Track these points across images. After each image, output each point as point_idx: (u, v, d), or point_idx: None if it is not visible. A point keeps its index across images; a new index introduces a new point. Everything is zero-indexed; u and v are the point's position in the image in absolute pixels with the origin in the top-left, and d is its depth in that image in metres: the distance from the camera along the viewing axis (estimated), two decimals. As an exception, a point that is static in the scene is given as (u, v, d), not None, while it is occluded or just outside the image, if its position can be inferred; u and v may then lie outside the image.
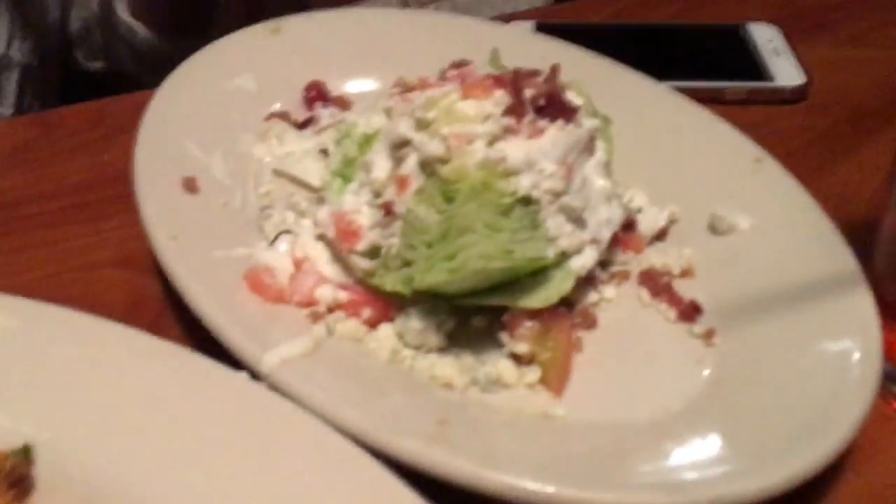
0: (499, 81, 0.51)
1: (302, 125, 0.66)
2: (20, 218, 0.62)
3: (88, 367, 0.43)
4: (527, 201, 0.49)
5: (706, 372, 0.50)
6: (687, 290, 0.55)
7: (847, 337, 0.48)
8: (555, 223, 0.50)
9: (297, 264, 0.53)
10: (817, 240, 0.54)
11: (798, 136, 0.74)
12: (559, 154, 0.51)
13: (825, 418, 0.45)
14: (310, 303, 0.51)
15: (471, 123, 0.49)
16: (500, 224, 0.47)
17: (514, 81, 0.52)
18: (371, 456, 0.41)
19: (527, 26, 0.82)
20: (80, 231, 0.61)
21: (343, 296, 0.51)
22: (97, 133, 0.70)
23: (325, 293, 0.51)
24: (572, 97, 0.55)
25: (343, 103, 0.68)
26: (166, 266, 0.49)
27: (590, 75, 0.64)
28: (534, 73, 0.56)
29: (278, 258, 0.53)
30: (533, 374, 0.49)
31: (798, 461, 0.42)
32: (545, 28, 0.82)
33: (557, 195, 0.50)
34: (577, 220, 0.52)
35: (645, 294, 0.55)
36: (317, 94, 0.68)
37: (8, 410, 0.42)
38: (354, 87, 0.70)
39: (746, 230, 0.57)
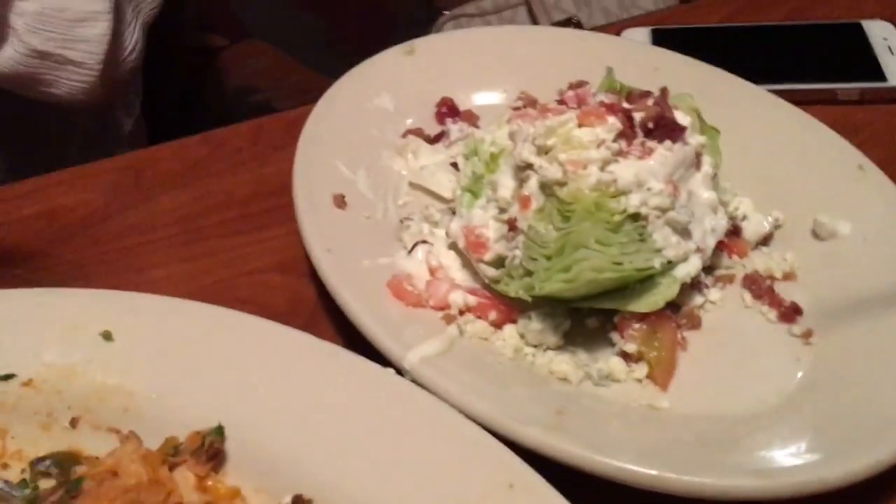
0: (611, 109, 0.57)
1: (434, 140, 0.74)
2: (196, 229, 0.72)
3: (264, 362, 0.52)
4: (636, 217, 0.55)
5: (802, 369, 0.55)
6: (788, 292, 0.60)
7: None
8: (661, 236, 0.56)
9: (433, 271, 0.61)
10: (915, 246, 0.58)
11: (910, 135, 0.76)
12: (666, 172, 0.57)
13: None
14: (444, 306, 0.59)
15: (585, 150, 0.55)
16: (610, 239, 0.54)
17: (624, 109, 0.57)
18: (499, 441, 0.48)
19: (643, 34, 0.86)
20: (246, 240, 0.71)
21: (472, 300, 0.59)
22: (256, 150, 0.80)
23: (457, 298, 0.58)
24: (680, 116, 0.60)
25: (471, 117, 0.75)
26: (323, 276, 0.58)
27: (700, 85, 0.69)
28: (645, 95, 0.62)
29: (416, 266, 0.61)
30: (641, 370, 0.55)
31: (876, 454, 0.47)
32: (660, 34, 0.86)
33: (664, 211, 0.56)
34: (683, 231, 0.57)
35: (748, 296, 0.60)
36: (447, 110, 0.76)
37: (203, 398, 0.51)
38: (481, 100, 0.77)
39: (847, 236, 0.61)
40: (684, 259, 0.57)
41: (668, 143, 0.58)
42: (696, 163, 0.60)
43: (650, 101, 0.60)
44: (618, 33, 0.87)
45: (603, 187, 0.54)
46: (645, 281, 0.56)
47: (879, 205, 0.61)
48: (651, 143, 0.57)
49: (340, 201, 0.65)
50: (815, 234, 0.62)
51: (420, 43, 0.79)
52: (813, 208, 0.63)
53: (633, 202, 0.54)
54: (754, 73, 0.74)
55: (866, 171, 0.63)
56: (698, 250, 0.58)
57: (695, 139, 0.60)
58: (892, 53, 0.81)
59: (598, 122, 0.56)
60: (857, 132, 0.71)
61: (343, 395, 0.50)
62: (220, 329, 0.53)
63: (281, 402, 0.50)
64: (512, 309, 0.58)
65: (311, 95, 0.74)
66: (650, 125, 0.58)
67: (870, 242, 0.60)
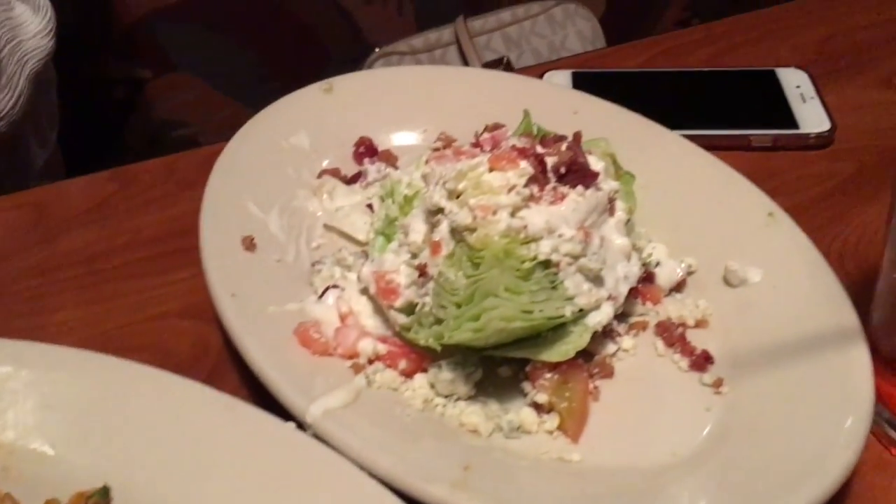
0: (523, 153, 0.57)
1: (351, 180, 0.72)
2: (100, 271, 0.69)
3: (156, 417, 0.49)
4: (546, 264, 0.54)
5: (713, 420, 0.54)
6: (701, 340, 0.59)
7: (842, 390, 0.52)
8: (573, 283, 0.55)
9: (343, 318, 0.59)
10: (822, 295, 0.58)
11: (822, 182, 0.77)
12: (578, 218, 0.56)
13: (815, 466, 0.49)
14: (352, 355, 0.57)
15: (496, 195, 0.54)
16: (520, 287, 0.53)
17: (537, 154, 0.57)
18: (403, 500, 0.46)
19: (564, 77, 0.87)
20: (152, 283, 0.68)
21: (382, 348, 0.57)
22: (167, 188, 0.77)
23: (367, 346, 0.57)
24: (593, 161, 0.60)
25: (390, 158, 0.74)
26: (226, 322, 0.56)
27: (617, 129, 0.69)
28: (559, 139, 0.61)
29: (325, 312, 0.59)
30: (552, 421, 0.54)
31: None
32: (581, 77, 0.87)
33: (576, 258, 0.55)
34: (595, 278, 0.56)
35: (660, 344, 0.59)
36: (365, 150, 0.74)
37: (89, 455, 0.49)
38: (400, 140, 0.76)
39: (758, 283, 0.61)
40: (596, 307, 0.56)
41: (580, 188, 0.57)
42: (610, 208, 0.60)
43: (563, 146, 0.59)
44: (541, 76, 0.87)
45: (513, 233, 0.53)
46: (556, 329, 0.55)
47: (788, 252, 0.62)
48: (563, 189, 0.57)
49: (249, 243, 0.63)
50: (727, 281, 0.62)
51: (338, 81, 0.78)
52: (725, 255, 0.63)
53: (543, 249, 0.53)
54: (671, 118, 0.74)
55: (776, 219, 0.64)
56: (610, 298, 0.57)
57: (608, 185, 0.59)
58: (804, 101, 0.83)
59: (509, 167, 0.55)
60: (770, 178, 0.72)
61: (238, 452, 0.47)
62: (112, 382, 0.51)
63: (173, 460, 0.48)
64: (423, 358, 0.57)
65: (239, 131, 0.72)
66: (562, 170, 0.57)
67: (779, 290, 0.60)
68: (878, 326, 0.55)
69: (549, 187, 0.56)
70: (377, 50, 1.61)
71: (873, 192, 0.75)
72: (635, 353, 0.59)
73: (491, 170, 0.56)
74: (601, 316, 0.56)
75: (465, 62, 1.54)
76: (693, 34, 1.00)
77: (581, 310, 0.55)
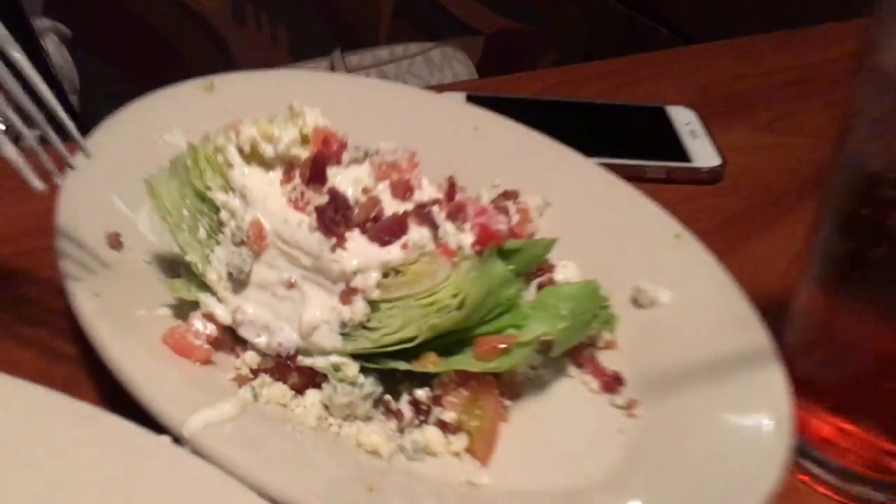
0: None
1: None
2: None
3: (4, 429, 0.41)
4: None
5: (626, 443, 0.51)
6: (610, 361, 0.56)
7: (760, 411, 0.50)
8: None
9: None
10: (733, 316, 0.56)
11: (714, 215, 0.77)
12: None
13: (736, 491, 0.46)
14: (234, 365, 0.50)
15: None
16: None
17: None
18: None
19: (459, 97, 0.84)
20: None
21: (268, 359, 0.50)
22: (20, 181, 0.68)
23: (250, 355, 0.50)
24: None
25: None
26: (87, 323, 0.48)
27: (522, 148, 0.66)
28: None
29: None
30: (459, 442, 0.49)
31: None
32: (475, 99, 0.84)
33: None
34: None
35: (568, 365, 0.56)
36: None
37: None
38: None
39: (667, 304, 0.59)
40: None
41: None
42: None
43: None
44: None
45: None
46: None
47: (697, 273, 0.60)
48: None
49: (115, 241, 0.55)
50: (636, 302, 0.59)
51: (220, 79, 0.72)
52: (633, 276, 0.60)
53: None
54: (567, 145, 0.72)
55: (683, 241, 0.62)
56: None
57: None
58: (695, 137, 0.83)
59: None
60: (667, 211, 0.71)
61: (104, 469, 0.40)
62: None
63: (28, 479, 0.39)
64: (315, 372, 0.50)
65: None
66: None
67: (688, 311, 0.58)
68: (793, 347, 0.53)
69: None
70: (248, 75, 1.54)
71: (763, 227, 0.76)
72: (542, 373, 0.55)
73: None
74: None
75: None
76: (583, 70, 1.00)
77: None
